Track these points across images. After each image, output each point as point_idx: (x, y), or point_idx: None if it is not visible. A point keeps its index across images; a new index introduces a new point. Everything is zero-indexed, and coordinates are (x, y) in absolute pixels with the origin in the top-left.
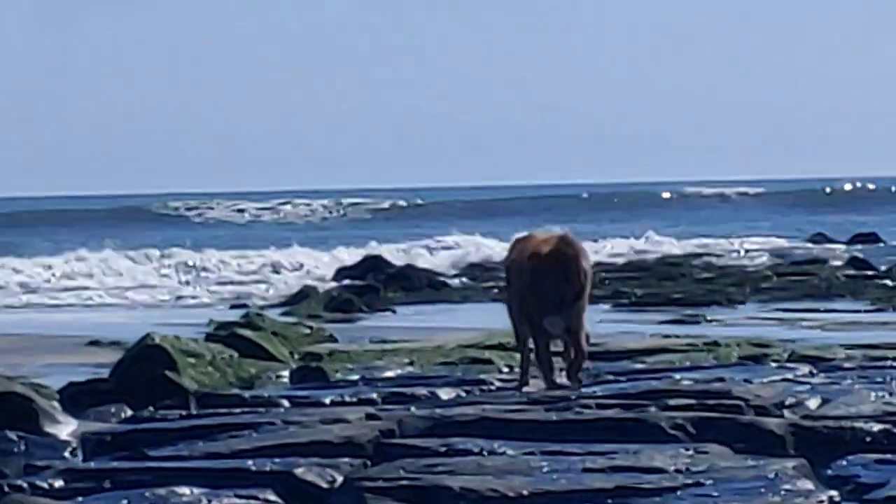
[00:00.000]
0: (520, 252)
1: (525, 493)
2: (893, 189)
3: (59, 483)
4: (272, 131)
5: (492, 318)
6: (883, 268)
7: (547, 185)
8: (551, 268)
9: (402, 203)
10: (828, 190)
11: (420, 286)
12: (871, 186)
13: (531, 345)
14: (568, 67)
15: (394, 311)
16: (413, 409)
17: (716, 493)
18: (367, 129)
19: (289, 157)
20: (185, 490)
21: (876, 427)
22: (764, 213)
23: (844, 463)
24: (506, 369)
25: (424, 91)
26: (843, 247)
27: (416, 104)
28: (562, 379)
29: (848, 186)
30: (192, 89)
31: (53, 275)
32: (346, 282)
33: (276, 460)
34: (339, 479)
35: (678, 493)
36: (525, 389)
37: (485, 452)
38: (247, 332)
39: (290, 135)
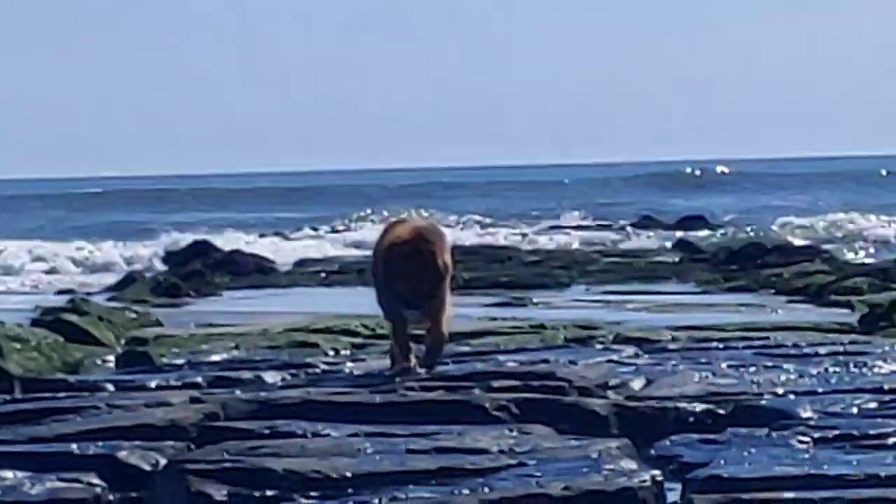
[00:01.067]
0: (381, 240)
1: (349, 474)
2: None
3: None
4: None
5: (318, 303)
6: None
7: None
8: (405, 264)
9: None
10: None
11: (247, 271)
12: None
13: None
14: None
15: (220, 296)
16: (238, 392)
17: (539, 474)
18: None
19: None
20: (9, 474)
21: (699, 407)
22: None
23: (668, 443)
24: (331, 352)
25: None
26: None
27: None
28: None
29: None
30: None
31: None
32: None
33: (100, 444)
34: (163, 461)
35: (501, 473)
36: (401, 368)
37: (309, 434)
38: (73, 318)
39: None
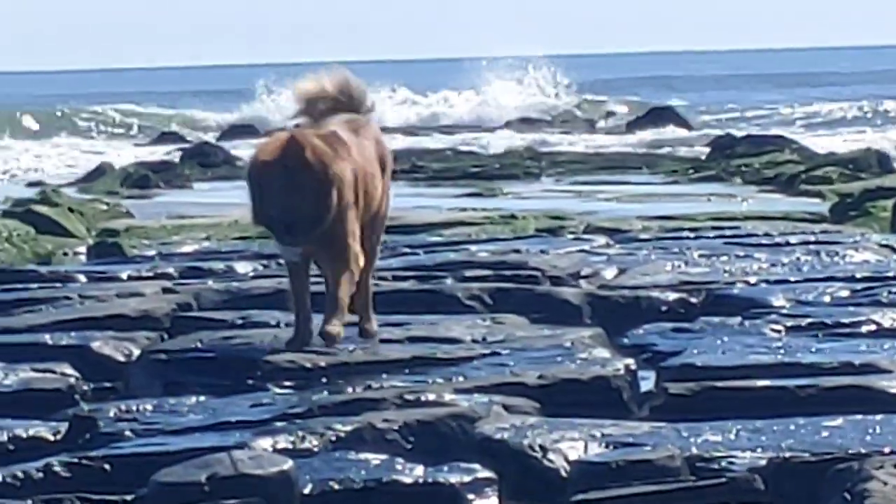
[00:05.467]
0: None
1: (323, 364)
2: None
3: None
4: None
5: None
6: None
7: None
8: (271, 185)
9: None
10: None
11: (217, 162)
12: None
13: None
14: None
15: (191, 188)
16: (210, 282)
17: (512, 363)
18: None
19: None
20: None
21: (672, 296)
22: None
23: (641, 332)
24: None
25: None
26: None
27: None
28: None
29: None
30: None
31: None
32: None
33: (73, 334)
34: (136, 352)
35: (474, 362)
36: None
37: (282, 325)
38: (43, 209)
39: None
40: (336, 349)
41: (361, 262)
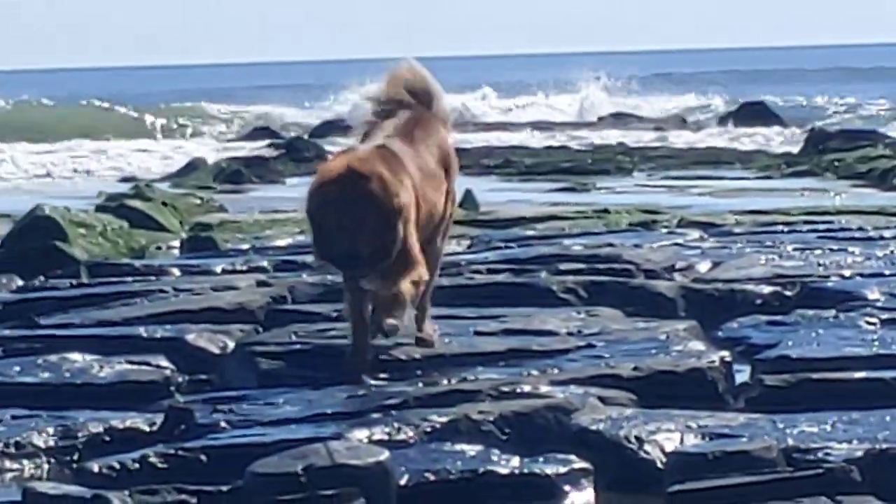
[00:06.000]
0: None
1: (418, 356)
2: None
3: None
4: None
5: None
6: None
7: None
8: (331, 215)
9: None
10: None
11: (309, 157)
12: None
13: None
14: None
15: (283, 183)
16: (304, 276)
17: (607, 355)
18: None
19: None
20: (77, 357)
21: (766, 289)
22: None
23: (735, 325)
24: None
25: None
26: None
27: None
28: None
29: None
30: None
31: None
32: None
33: (168, 327)
34: (231, 344)
35: (570, 354)
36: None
37: None
38: (137, 204)
39: None
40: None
41: (425, 277)
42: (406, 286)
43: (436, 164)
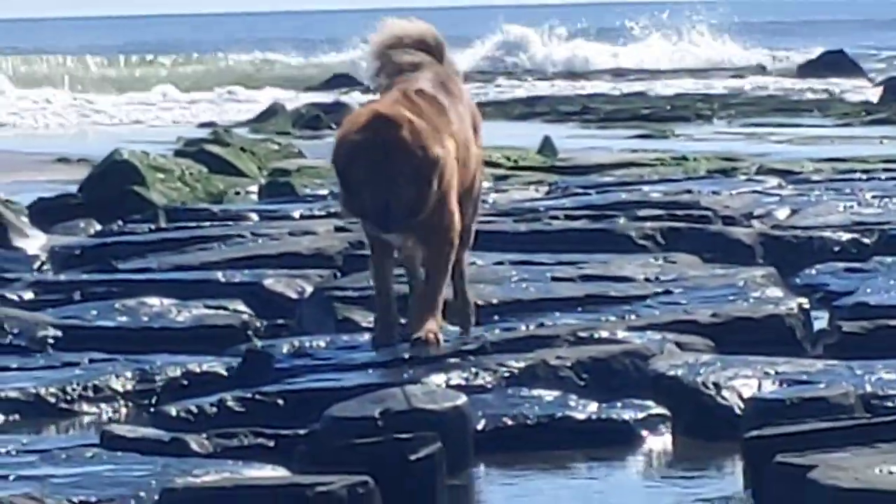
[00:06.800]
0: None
1: (495, 301)
2: None
3: (28, 295)
4: None
5: None
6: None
7: None
8: (362, 165)
9: None
10: None
11: None
12: None
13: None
14: None
15: None
16: None
17: (685, 301)
18: None
19: None
20: (155, 301)
21: (845, 236)
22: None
23: (814, 272)
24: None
25: None
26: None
27: None
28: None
29: None
30: None
31: None
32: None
33: (246, 272)
34: (309, 289)
35: (648, 300)
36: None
37: None
38: (215, 149)
39: None
40: (507, 285)
41: (456, 242)
42: (439, 277)
43: (470, 125)
